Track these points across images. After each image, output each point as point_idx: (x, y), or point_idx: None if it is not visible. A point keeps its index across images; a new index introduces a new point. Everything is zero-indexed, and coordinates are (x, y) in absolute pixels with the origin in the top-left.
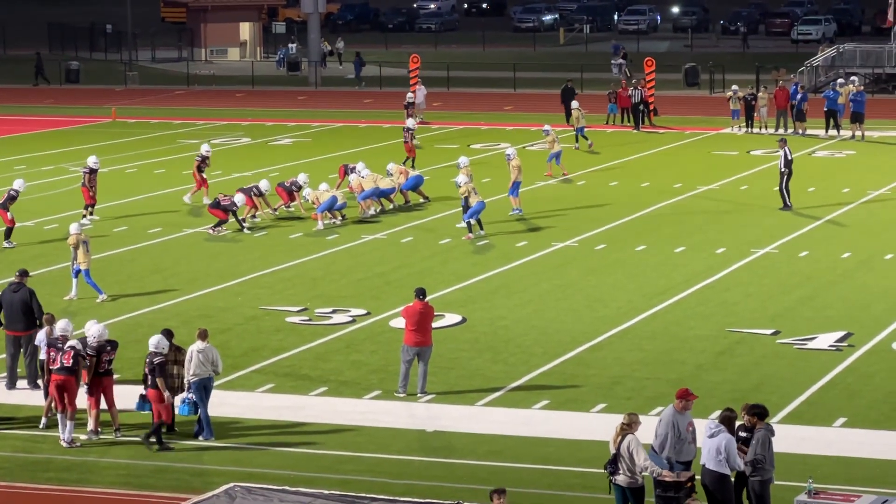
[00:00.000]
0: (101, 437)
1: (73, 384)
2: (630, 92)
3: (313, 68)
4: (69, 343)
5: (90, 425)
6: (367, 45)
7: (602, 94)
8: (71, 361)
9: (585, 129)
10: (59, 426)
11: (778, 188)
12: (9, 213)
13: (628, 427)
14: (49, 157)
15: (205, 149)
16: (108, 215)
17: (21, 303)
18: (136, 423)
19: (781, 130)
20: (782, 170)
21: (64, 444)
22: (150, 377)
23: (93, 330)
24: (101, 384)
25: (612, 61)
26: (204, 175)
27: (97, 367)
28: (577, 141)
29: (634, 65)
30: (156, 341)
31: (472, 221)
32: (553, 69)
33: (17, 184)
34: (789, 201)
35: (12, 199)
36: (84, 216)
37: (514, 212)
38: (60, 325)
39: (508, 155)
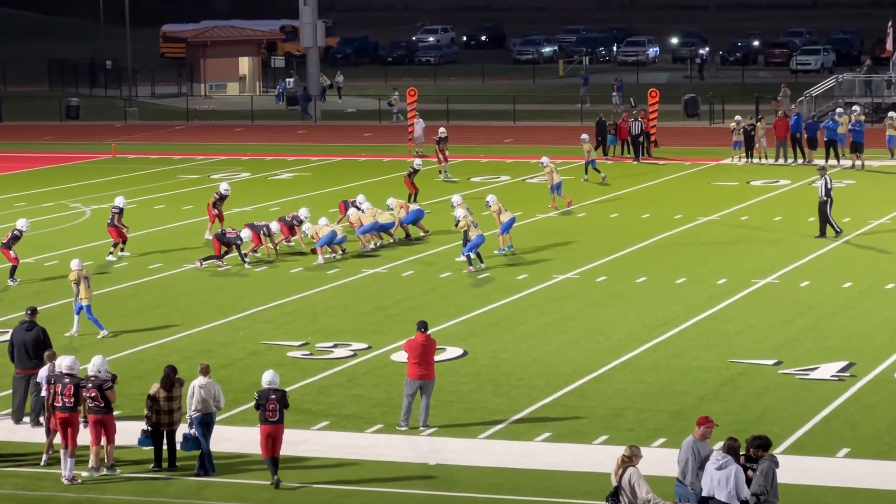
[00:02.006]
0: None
1: (76, 420)
2: (630, 123)
3: (313, 102)
4: (67, 379)
5: (91, 461)
6: (366, 78)
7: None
8: (73, 399)
9: (597, 162)
10: (61, 463)
11: (819, 217)
12: (12, 252)
13: (629, 459)
14: (50, 193)
15: (223, 188)
16: (107, 251)
17: (34, 341)
18: (138, 460)
19: (781, 161)
20: (823, 198)
21: (65, 482)
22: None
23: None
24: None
25: (614, 93)
26: (217, 210)
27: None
28: (586, 173)
29: (638, 96)
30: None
31: (472, 255)
32: (553, 101)
33: (21, 223)
34: (838, 227)
35: (16, 238)
36: (111, 253)
37: (501, 251)
38: (66, 363)
39: (488, 202)
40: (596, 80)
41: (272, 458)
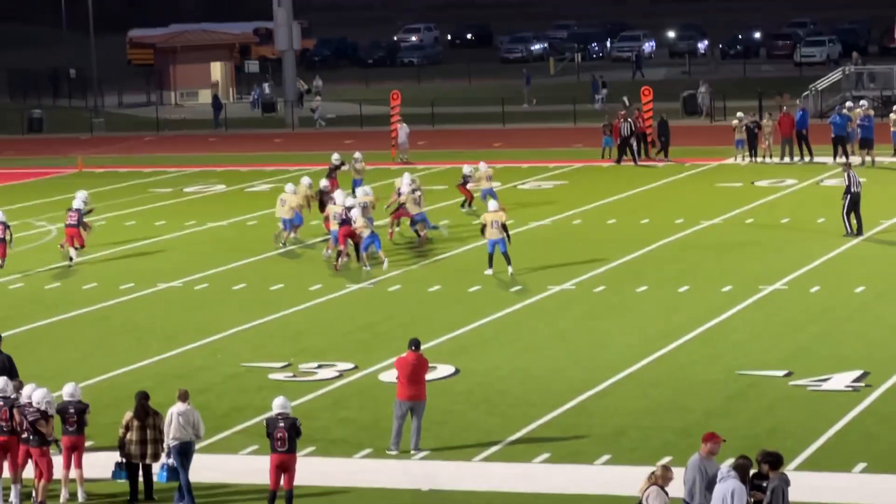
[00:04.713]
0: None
1: (14, 445)
2: (620, 124)
3: (289, 109)
4: (1, 402)
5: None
6: (346, 81)
7: (597, 126)
8: (9, 422)
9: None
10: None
11: (852, 213)
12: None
13: (656, 479)
14: (13, 212)
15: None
16: (77, 271)
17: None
18: (113, 493)
19: (787, 159)
20: (856, 190)
21: None
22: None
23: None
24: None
25: (596, 96)
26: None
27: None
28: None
29: (633, 94)
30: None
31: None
32: (544, 102)
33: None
34: (850, 228)
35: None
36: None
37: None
38: (36, 396)
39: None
40: (588, 78)
41: (275, 493)
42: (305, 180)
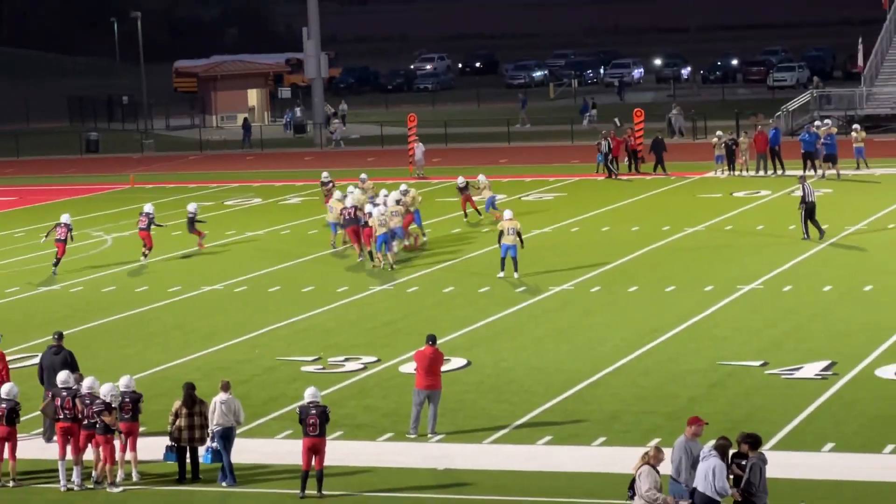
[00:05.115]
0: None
1: (76, 430)
2: (601, 142)
3: (318, 130)
4: (64, 392)
5: (119, 474)
6: (368, 105)
7: (592, 144)
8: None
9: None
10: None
11: (805, 220)
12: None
13: (649, 458)
14: (73, 223)
15: (148, 207)
16: (130, 276)
17: (62, 364)
18: (164, 473)
19: (762, 173)
20: (810, 200)
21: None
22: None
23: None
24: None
25: (585, 115)
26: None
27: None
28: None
29: (623, 116)
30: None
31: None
32: (545, 122)
33: (190, 207)
34: (808, 233)
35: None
36: (144, 255)
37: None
38: (86, 383)
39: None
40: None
41: (307, 473)
42: (352, 190)
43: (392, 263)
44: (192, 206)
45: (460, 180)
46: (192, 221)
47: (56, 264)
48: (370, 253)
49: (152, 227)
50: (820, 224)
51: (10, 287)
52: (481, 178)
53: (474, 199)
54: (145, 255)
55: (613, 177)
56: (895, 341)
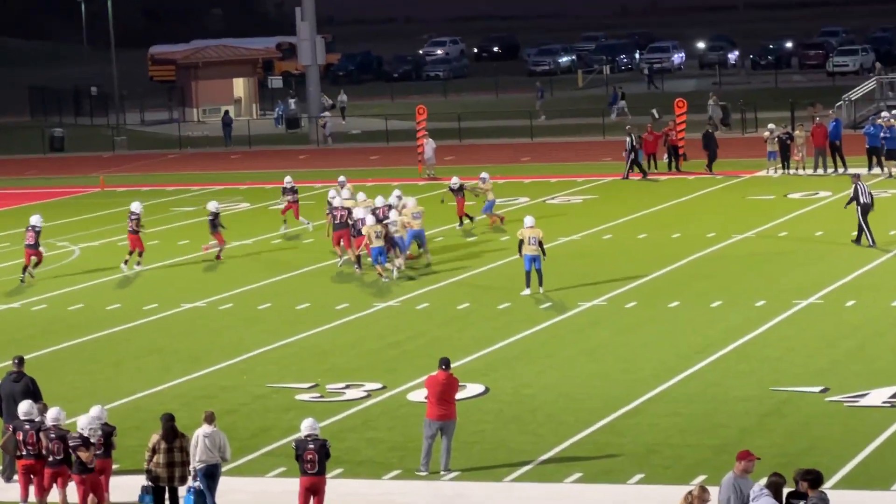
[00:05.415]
0: None
1: (39, 468)
2: (628, 138)
3: (314, 125)
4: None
5: None
6: (371, 96)
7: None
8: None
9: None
10: None
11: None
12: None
13: (693, 500)
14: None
15: (135, 206)
16: (100, 292)
17: (23, 393)
18: None
19: (821, 171)
20: (866, 202)
21: None
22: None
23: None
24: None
25: (613, 106)
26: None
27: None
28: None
29: (664, 107)
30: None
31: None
32: (572, 115)
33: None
34: (862, 238)
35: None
36: (125, 262)
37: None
38: (51, 414)
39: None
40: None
41: None
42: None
43: (399, 265)
44: (212, 205)
45: (454, 181)
46: (213, 223)
47: (24, 270)
48: (358, 257)
49: (140, 228)
50: (861, 231)
51: None
52: (484, 176)
53: (485, 201)
54: (138, 263)
55: (646, 177)
56: None
